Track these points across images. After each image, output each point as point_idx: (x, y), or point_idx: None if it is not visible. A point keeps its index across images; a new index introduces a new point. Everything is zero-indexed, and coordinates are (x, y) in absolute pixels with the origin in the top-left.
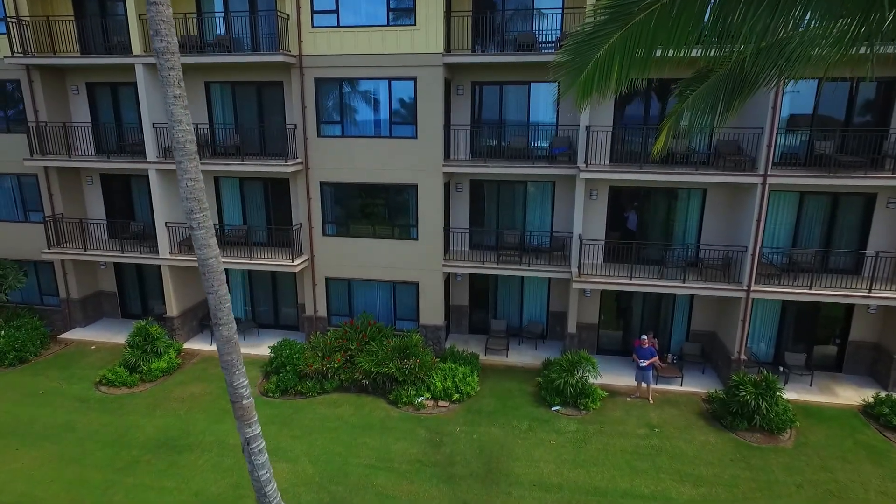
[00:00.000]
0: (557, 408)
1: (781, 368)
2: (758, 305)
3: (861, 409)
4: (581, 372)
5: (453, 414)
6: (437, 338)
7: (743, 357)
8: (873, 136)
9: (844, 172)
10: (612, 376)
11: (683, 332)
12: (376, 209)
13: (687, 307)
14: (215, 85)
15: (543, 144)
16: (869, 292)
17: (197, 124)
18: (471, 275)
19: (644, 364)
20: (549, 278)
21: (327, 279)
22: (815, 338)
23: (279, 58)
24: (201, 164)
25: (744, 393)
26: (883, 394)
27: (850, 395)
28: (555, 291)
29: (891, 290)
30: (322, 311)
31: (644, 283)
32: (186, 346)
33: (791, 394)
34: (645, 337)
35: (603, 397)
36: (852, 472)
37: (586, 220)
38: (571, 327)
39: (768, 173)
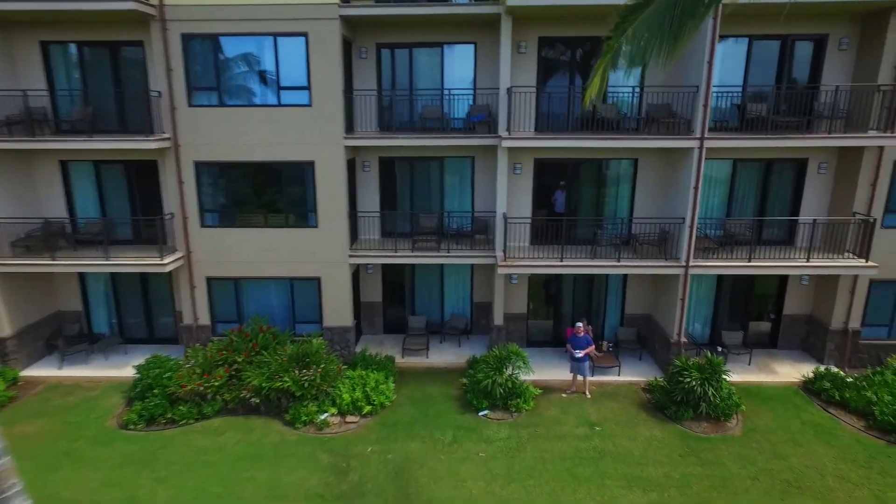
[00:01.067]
0: (486, 412)
1: (720, 349)
2: (692, 284)
3: (801, 385)
4: (510, 369)
5: (364, 430)
6: (346, 341)
7: (683, 339)
8: (805, 97)
9: (779, 134)
10: (544, 371)
11: (618, 316)
12: (266, 193)
13: (620, 289)
14: (56, 46)
15: (461, 116)
16: (807, 261)
17: (26, 91)
18: (384, 267)
19: (579, 355)
20: (472, 265)
21: (209, 280)
22: (749, 315)
23: (130, 5)
24: (39, 142)
25: (688, 379)
26: (822, 368)
27: (789, 371)
28: (479, 280)
29: (826, 257)
30: (204, 319)
31: (576, 264)
32: (26, 373)
33: (731, 375)
34: (580, 324)
35: (536, 395)
36: (805, 457)
37: (511, 198)
38: (498, 319)
39: (705, 136)
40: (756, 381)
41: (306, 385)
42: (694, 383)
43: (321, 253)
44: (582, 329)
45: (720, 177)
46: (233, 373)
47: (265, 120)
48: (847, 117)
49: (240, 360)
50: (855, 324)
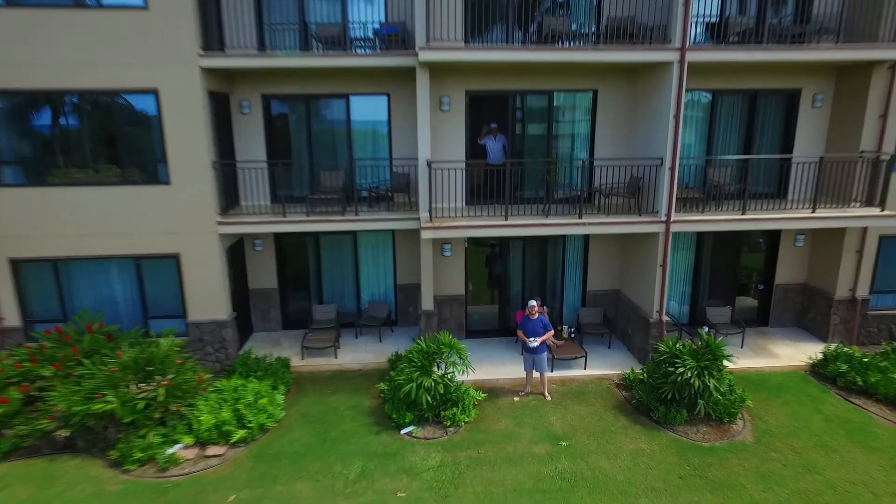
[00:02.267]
0: (410, 429)
1: (707, 329)
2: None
3: (809, 369)
4: (443, 367)
5: (231, 467)
6: (220, 341)
7: (665, 318)
8: None
9: (772, 46)
10: (490, 368)
11: (579, 295)
12: (92, 137)
13: (581, 260)
14: None
15: (368, 36)
16: (813, 212)
17: None
18: (278, 243)
19: (535, 343)
20: (394, 235)
21: (15, 262)
22: (735, 287)
23: None
24: None
25: (681, 369)
26: (831, 346)
27: (790, 353)
28: (404, 255)
29: (831, 208)
30: (12, 318)
31: (525, 223)
32: None
33: (735, 361)
34: (533, 303)
35: (479, 401)
36: (844, 468)
37: (438, 144)
38: (427, 303)
39: (687, 47)
40: (754, 367)
41: (144, 406)
42: (689, 374)
43: (178, 220)
44: (536, 309)
45: (697, 115)
46: (35, 393)
47: (79, 27)
48: (849, 29)
49: (47, 374)
50: (863, 291)
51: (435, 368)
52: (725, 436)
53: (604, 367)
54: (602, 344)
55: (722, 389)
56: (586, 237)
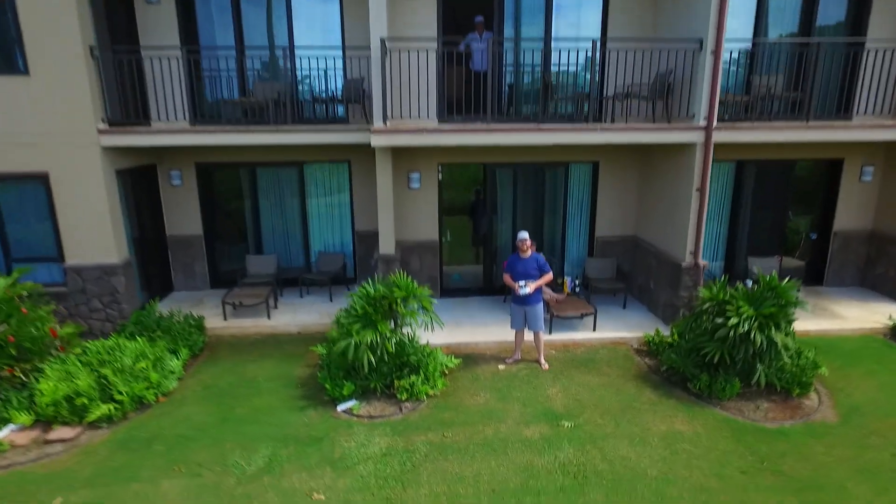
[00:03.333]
0: (350, 404)
1: (750, 283)
2: None
3: (889, 333)
4: (398, 320)
5: (79, 457)
6: (111, 292)
7: (703, 262)
8: None
9: None
10: (468, 330)
11: (584, 244)
12: None
13: (587, 198)
14: None
15: None
16: None
17: None
18: (203, 176)
19: (527, 290)
20: (349, 164)
21: None
22: (782, 236)
23: None
24: None
25: (734, 320)
26: None
27: (859, 314)
28: (364, 194)
29: None
30: None
31: (513, 128)
32: None
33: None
34: (524, 236)
35: (451, 370)
36: None
37: (402, 25)
38: (386, 245)
39: None
40: (816, 329)
41: None
42: (746, 327)
43: (42, 124)
44: (528, 244)
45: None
46: None
47: None
48: None
49: None
50: None
51: (387, 322)
52: (797, 414)
53: (618, 328)
54: (615, 303)
55: (790, 349)
56: (595, 166)
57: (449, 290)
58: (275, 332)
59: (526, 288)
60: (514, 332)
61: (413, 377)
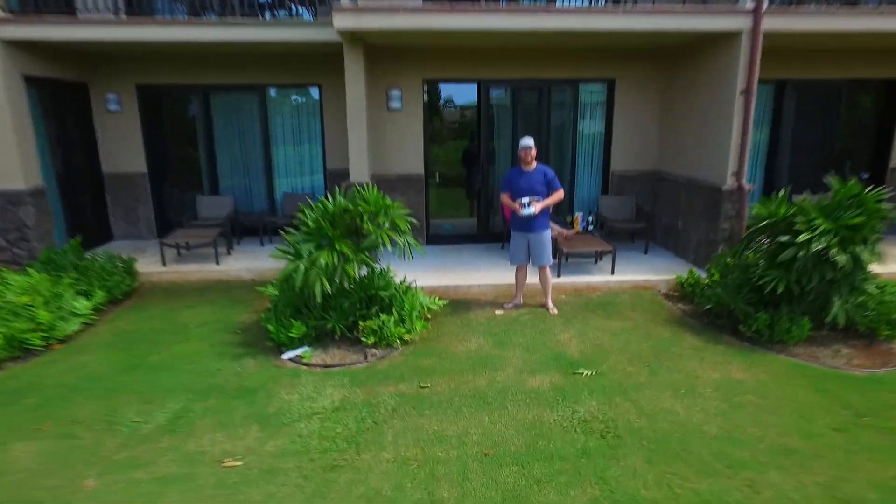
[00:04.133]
0: (301, 350)
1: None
2: None
3: None
4: (365, 243)
5: None
6: (17, 227)
7: (747, 185)
8: None
9: None
10: (459, 273)
11: (597, 180)
12: None
13: (600, 125)
14: None
15: None
16: None
17: None
18: (146, 102)
19: (531, 210)
20: (320, 89)
21: None
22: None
23: None
24: None
25: (804, 235)
26: None
27: None
28: (337, 126)
29: None
30: None
31: (521, 8)
32: None
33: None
34: (529, 143)
35: (435, 313)
36: None
37: None
38: (358, 172)
39: None
40: (887, 273)
41: None
42: (822, 243)
43: None
44: (532, 154)
45: None
46: None
47: None
48: None
49: None
50: None
51: (342, 245)
52: (890, 360)
53: (641, 272)
54: (635, 249)
55: (872, 280)
56: (610, 86)
57: (437, 237)
58: (224, 279)
59: (530, 207)
60: (514, 271)
61: (384, 317)
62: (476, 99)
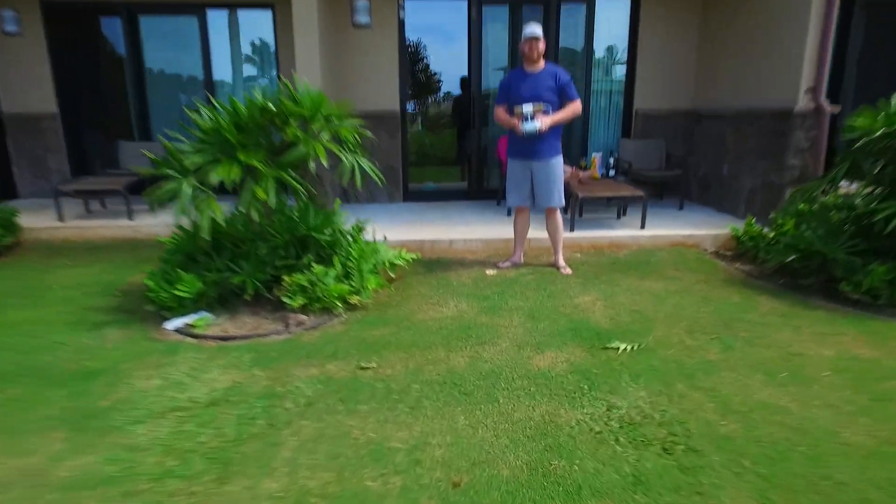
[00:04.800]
0: (189, 318)
1: None
2: None
3: None
4: (293, 164)
5: None
6: None
7: (830, 106)
8: None
9: None
10: (439, 227)
11: (616, 122)
12: None
13: (620, 48)
14: None
15: None
16: None
17: None
18: (54, 22)
19: (537, 125)
20: (273, 8)
21: None
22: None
23: None
24: None
25: None
26: None
27: None
28: (292, 54)
29: None
30: None
31: None
32: None
33: None
34: (538, 33)
35: (401, 271)
36: None
37: None
38: None
39: None
40: None
41: None
42: None
43: None
44: (541, 49)
45: None
46: None
47: None
48: None
49: None
50: None
51: (261, 154)
52: None
53: (679, 227)
54: (666, 206)
55: None
56: (634, 3)
57: (417, 193)
58: (136, 237)
59: (534, 121)
60: (511, 214)
61: (317, 269)
62: (466, 24)
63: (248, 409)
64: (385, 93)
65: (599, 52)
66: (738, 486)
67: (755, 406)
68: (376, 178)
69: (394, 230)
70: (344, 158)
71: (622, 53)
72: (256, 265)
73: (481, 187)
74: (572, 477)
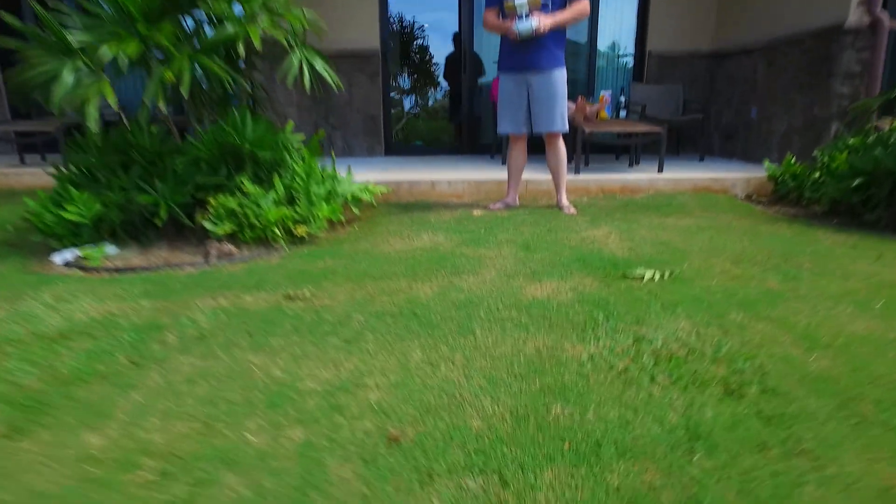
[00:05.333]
0: (89, 250)
1: None
2: None
3: None
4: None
5: None
6: None
7: (889, 19)
8: None
9: None
10: (422, 171)
11: (626, 62)
12: None
13: None
14: None
15: None
16: None
17: None
18: None
19: (534, 24)
20: None
21: None
22: None
23: None
24: None
25: None
26: None
27: None
28: None
29: None
30: None
31: None
32: None
33: None
34: None
35: (367, 210)
36: None
37: None
38: None
39: None
40: None
41: None
42: None
43: None
44: None
45: None
46: None
47: None
48: None
49: None
50: None
51: (163, 40)
52: None
53: (701, 170)
54: (684, 159)
55: None
56: None
57: (402, 147)
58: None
59: (531, 19)
60: (503, 143)
61: (251, 188)
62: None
63: (110, 343)
64: (363, 27)
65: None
66: (861, 442)
67: (851, 340)
68: (332, 82)
69: (367, 174)
70: (291, 52)
71: None
72: (175, 185)
73: (474, 142)
74: (584, 429)
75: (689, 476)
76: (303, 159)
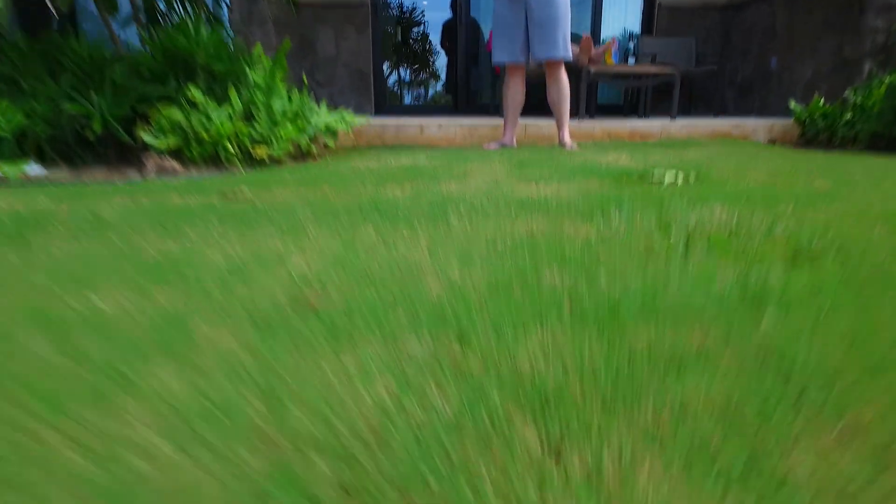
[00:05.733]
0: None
1: None
2: None
3: None
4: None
5: None
6: None
7: None
8: None
9: None
10: (412, 118)
11: (635, 11)
12: None
13: None
14: None
15: None
16: None
17: None
18: None
19: None
20: None
21: None
22: None
23: None
24: None
25: None
26: None
27: None
28: None
29: None
30: None
31: None
32: None
33: None
34: None
35: (341, 143)
36: None
37: None
38: None
39: None
40: None
41: None
42: None
43: None
44: None
45: None
46: None
47: None
48: None
49: None
50: None
51: None
52: None
53: (713, 120)
54: (695, 116)
55: None
56: None
57: (394, 107)
58: None
59: None
60: (507, 70)
61: (200, 98)
62: None
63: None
64: None
65: None
66: None
67: None
68: None
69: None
70: None
71: None
72: (114, 97)
73: (470, 101)
74: (595, 297)
75: (762, 334)
76: (266, 69)
